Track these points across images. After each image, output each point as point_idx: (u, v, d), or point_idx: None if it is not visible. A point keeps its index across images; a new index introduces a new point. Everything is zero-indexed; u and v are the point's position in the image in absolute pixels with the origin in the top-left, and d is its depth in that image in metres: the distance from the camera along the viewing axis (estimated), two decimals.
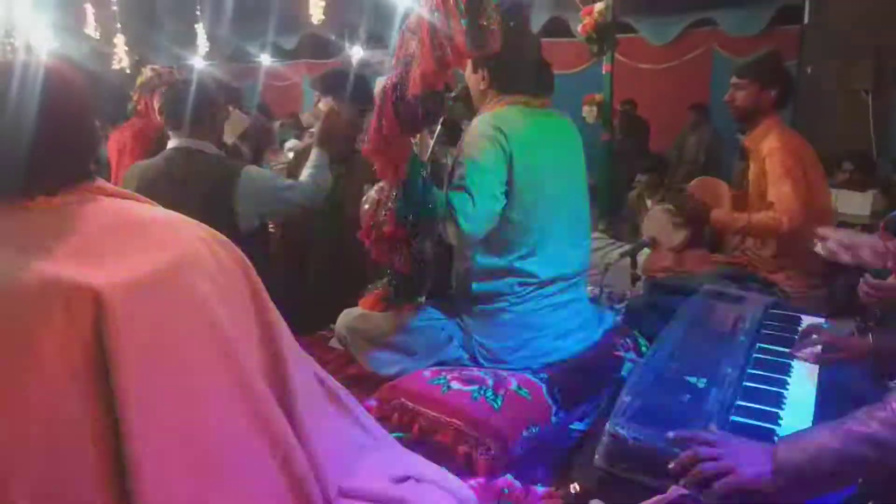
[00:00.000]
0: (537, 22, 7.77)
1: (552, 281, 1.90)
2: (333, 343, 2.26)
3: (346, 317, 2.03)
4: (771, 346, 1.77)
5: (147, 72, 3.32)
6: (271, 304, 1.18)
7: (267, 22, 9.08)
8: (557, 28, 7.15)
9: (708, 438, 1.20)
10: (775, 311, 2.04)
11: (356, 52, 9.69)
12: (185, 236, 1.08)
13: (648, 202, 4.71)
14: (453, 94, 2.16)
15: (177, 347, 0.98)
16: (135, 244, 1.02)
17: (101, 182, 1.11)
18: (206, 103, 2.28)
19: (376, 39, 9.43)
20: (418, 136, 1.95)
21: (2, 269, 0.94)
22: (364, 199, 1.89)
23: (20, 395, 0.90)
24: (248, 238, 2.21)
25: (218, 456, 1.02)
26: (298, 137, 6.19)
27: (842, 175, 4.41)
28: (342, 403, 1.39)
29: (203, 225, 1.13)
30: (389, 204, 1.76)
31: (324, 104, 2.79)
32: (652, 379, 1.52)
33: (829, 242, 1.81)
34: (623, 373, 1.98)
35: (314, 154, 2.46)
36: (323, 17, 4.32)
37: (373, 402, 1.88)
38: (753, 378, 1.59)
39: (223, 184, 2.21)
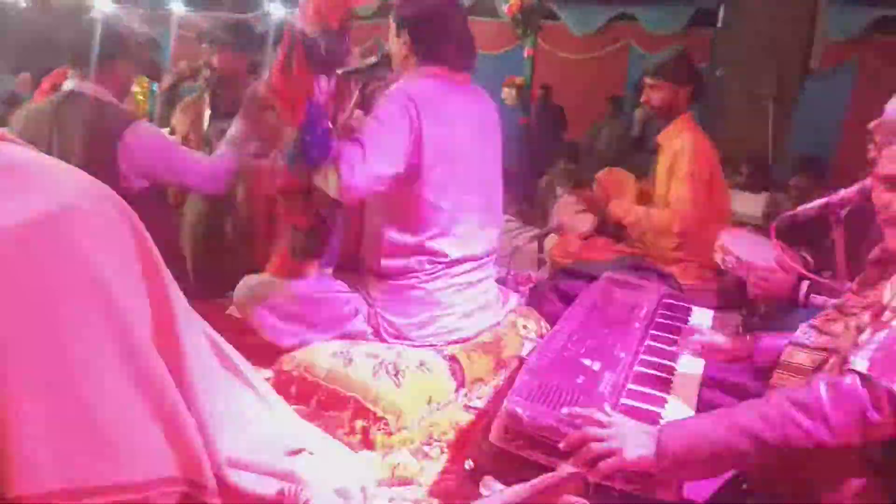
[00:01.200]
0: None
1: (462, 260, 1.90)
2: (231, 311, 2.18)
3: (247, 283, 1.96)
4: (662, 334, 1.85)
5: None
6: (162, 264, 1.12)
7: None
8: (482, 7, 7.15)
9: (601, 419, 1.25)
10: (669, 301, 2.13)
11: (276, 8, 9.34)
12: (68, 186, 1.01)
13: (559, 189, 4.82)
14: (374, 61, 2.11)
15: (50, 300, 0.92)
16: (11, 189, 0.94)
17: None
18: (109, 46, 2.11)
19: None
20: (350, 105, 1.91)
21: None
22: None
23: None
24: (138, 196, 2.07)
25: (90, 413, 0.97)
26: None
27: (739, 177, 4.67)
28: (236, 369, 1.34)
29: (89, 176, 1.05)
30: (286, 151, 1.69)
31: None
32: (550, 360, 1.55)
33: (729, 258, 1.93)
34: (524, 352, 2.03)
35: (232, 129, 2.27)
36: None
37: (270, 373, 1.84)
38: (644, 364, 1.66)
39: (108, 136, 2.05)
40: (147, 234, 1.09)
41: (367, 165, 1.68)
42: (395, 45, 1.92)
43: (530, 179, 4.80)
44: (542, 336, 2.13)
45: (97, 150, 2.00)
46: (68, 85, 2.13)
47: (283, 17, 8.93)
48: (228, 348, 1.34)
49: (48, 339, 0.92)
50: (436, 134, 1.79)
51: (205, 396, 1.14)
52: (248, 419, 1.32)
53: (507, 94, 3.86)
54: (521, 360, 2.00)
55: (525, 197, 4.73)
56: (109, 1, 7.43)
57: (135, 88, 3.17)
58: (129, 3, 8.08)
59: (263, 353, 1.92)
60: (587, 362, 1.56)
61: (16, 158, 1.01)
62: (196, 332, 1.21)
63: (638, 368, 1.63)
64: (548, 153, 5.53)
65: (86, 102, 2.09)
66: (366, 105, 2.30)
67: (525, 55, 3.95)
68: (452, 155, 1.85)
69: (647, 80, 2.71)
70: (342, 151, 1.67)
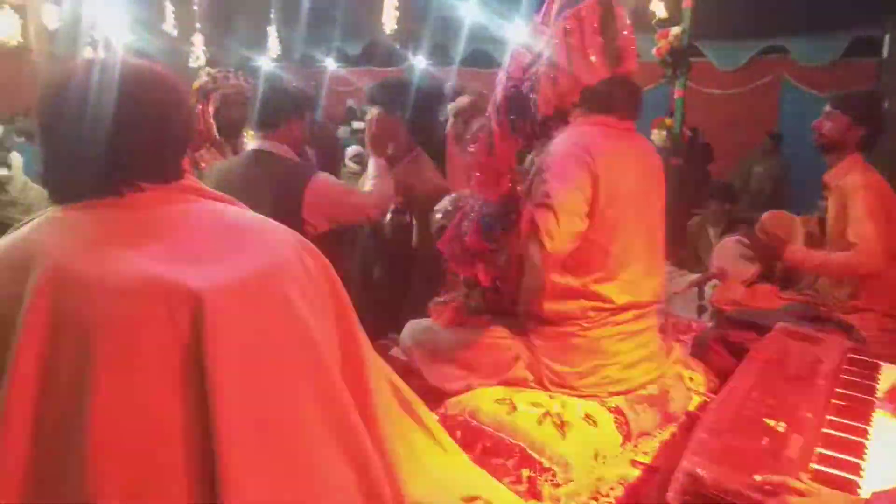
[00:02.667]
0: None
1: (626, 308, 1.87)
2: (395, 352, 2.26)
3: (413, 328, 2.03)
4: (851, 393, 1.70)
5: (203, 76, 3.22)
6: (352, 311, 1.19)
7: (333, 28, 9.26)
8: None
9: (798, 487, 1.16)
10: (854, 355, 1.96)
11: (419, 62, 9.81)
12: (276, 241, 1.09)
13: (711, 231, 4.61)
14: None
15: (269, 352, 0.99)
16: (230, 247, 1.03)
17: (192, 180, 1.12)
18: (285, 107, 2.32)
19: (440, 51, 9.52)
20: None
21: (103, 265, 0.95)
22: (437, 208, 1.89)
23: (117, 391, 0.91)
24: (315, 241, 2.25)
25: (299, 461, 1.02)
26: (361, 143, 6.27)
27: None
28: (416, 413, 1.38)
29: (291, 230, 1.13)
30: (473, 215, 1.75)
31: (369, 112, 2.84)
32: (730, 418, 1.47)
33: None
34: (691, 407, 1.94)
35: (371, 163, 2.52)
36: (396, 26, 4.36)
37: (435, 417, 1.88)
38: (834, 425, 1.54)
39: (293, 189, 2.25)
40: (340, 284, 1.16)
41: (563, 228, 1.72)
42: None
43: (681, 221, 4.63)
44: (710, 390, 2.03)
45: (284, 201, 2.18)
46: (253, 145, 2.35)
47: (426, 69, 9.37)
48: (405, 389, 1.39)
49: (261, 382, 0.99)
50: (608, 180, 1.80)
51: (389, 439, 1.18)
52: (425, 462, 1.35)
53: (658, 135, 3.79)
54: (690, 416, 1.91)
55: (675, 239, 4.56)
56: (268, 59, 8.17)
57: None
58: (286, 60, 8.82)
59: (428, 395, 1.97)
60: (771, 423, 1.46)
61: (230, 217, 1.10)
62: (379, 374, 1.27)
63: (827, 430, 1.51)
64: (698, 193, 5.31)
65: (271, 159, 2.29)
66: None
67: (675, 96, 3.86)
68: (622, 200, 1.84)
69: (827, 108, 2.55)
70: (537, 220, 1.72)
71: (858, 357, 1.95)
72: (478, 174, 1.74)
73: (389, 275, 2.80)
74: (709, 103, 7.93)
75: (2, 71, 9.32)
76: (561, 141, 1.86)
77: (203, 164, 2.93)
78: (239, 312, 0.96)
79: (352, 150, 5.95)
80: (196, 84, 3.17)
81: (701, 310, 2.85)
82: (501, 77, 1.71)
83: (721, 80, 8.27)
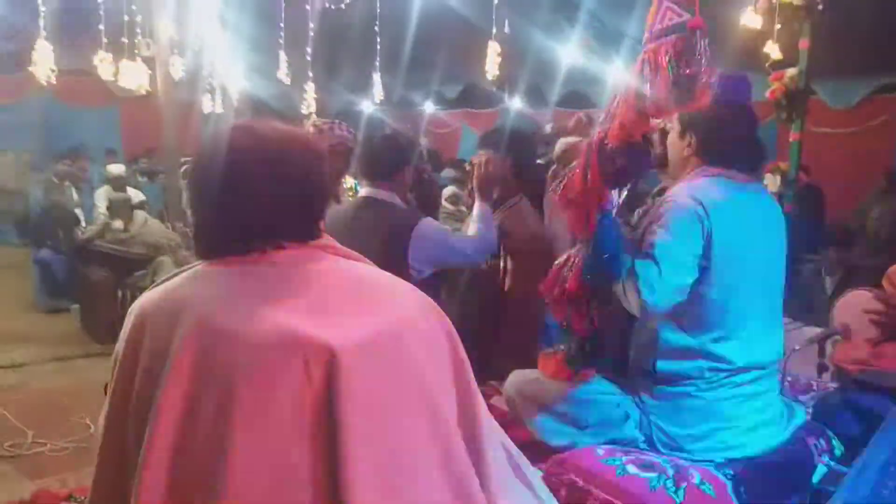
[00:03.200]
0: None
1: (746, 368, 1.77)
2: (496, 401, 2.24)
3: (518, 378, 2.01)
4: None
5: (309, 127, 3.22)
6: (470, 372, 1.19)
7: (433, 72, 9.51)
8: None
9: None
10: None
11: (514, 104, 9.90)
12: (404, 300, 1.11)
13: (827, 280, 4.35)
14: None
15: (396, 411, 1.01)
16: (362, 305, 1.06)
17: (328, 239, 1.17)
18: (396, 159, 2.40)
19: (536, 92, 9.58)
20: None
21: (243, 318, 1.01)
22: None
23: (253, 438, 0.95)
24: (421, 284, 2.30)
25: None
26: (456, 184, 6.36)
27: None
28: (525, 476, 1.36)
29: (417, 289, 1.16)
30: (576, 260, 1.73)
31: (475, 157, 2.87)
32: (866, 498, 1.36)
33: None
34: (815, 479, 1.81)
35: (476, 207, 2.56)
36: (498, 72, 4.43)
37: (539, 474, 1.84)
38: None
39: (400, 235, 2.31)
40: (460, 343, 1.17)
41: (664, 281, 1.68)
42: (677, 145, 1.90)
43: (794, 269, 4.41)
44: (835, 459, 1.89)
45: (392, 246, 2.24)
46: (364, 192, 2.44)
47: (521, 110, 9.44)
48: (515, 451, 1.37)
49: (389, 439, 1.00)
50: (725, 235, 1.73)
51: (501, 499, 1.17)
52: None
53: (771, 180, 3.62)
54: (815, 489, 1.78)
55: (789, 288, 4.33)
56: (370, 103, 8.45)
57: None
58: (387, 104, 9.12)
59: (531, 449, 1.92)
60: None
61: (362, 275, 1.15)
62: (493, 435, 1.25)
63: None
64: (811, 239, 5.05)
65: (380, 206, 2.37)
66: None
67: (791, 139, 3.69)
68: (741, 256, 1.77)
69: None
70: (637, 271, 1.68)
71: None
72: (569, 213, 1.75)
73: (481, 319, 2.80)
74: (821, 144, 7.54)
75: (130, 116, 10.15)
76: (676, 193, 1.81)
77: None
78: (370, 369, 0.99)
79: (448, 190, 6.05)
80: None
81: (821, 368, 2.65)
82: (601, 117, 1.74)
83: (834, 119, 7.86)
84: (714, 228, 1.72)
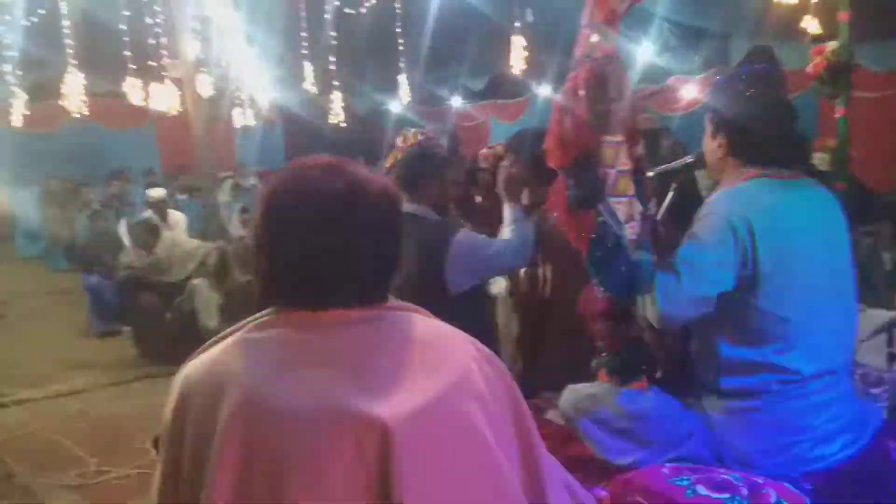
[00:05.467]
0: (739, 52, 7.33)
1: (817, 376, 1.68)
2: (551, 416, 2.18)
3: (574, 394, 1.94)
4: None
5: (413, 135, 2.70)
6: (531, 418, 1.14)
7: (458, 66, 9.45)
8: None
9: None
10: None
11: (543, 90, 9.77)
12: (461, 356, 1.07)
13: (885, 255, 4.17)
14: (691, 160, 2.03)
15: (453, 477, 0.97)
16: (419, 366, 1.02)
17: (394, 301, 1.12)
18: (433, 173, 2.35)
19: (563, 79, 9.43)
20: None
21: (291, 393, 0.96)
22: None
23: None
24: (458, 298, 2.24)
25: None
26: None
27: None
28: None
29: (474, 340, 1.11)
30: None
31: (486, 150, 2.80)
32: None
33: None
34: None
35: (507, 211, 2.46)
36: (524, 66, 4.35)
37: (603, 494, 1.78)
38: None
39: (436, 250, 2.25)
40: (518, 391, 1.12)
41: (683, 292, 1.62)
42: (710, 146, 1.83)
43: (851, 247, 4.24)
44: None
45: (428, 262, 2.19)
46: None
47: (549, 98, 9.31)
48: (579, 490, 1.31)
49: (446, 498, 0.97)
50: (771, 240, 1.64)
51: None
52: None
53: (821, 158, 3.46)
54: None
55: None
56: (399, 103, 8.43)
57: None
58: (414, 102, 9.09)
59: (591, 468, 1.88)
60: None
61: (416, 335, 1.08)
62: (553, 474, 1.21)
63: None
64: (862, 212, 4.84)
65: (412, 221, 2.31)
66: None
67: (837, 115, 3.53)
68: (794, 259, 1.67)
69: None
70: (658, 279, 1.63)
71: None
72: (570, 236, 1.75)
73: (524, 329, 2.74)
74: (864, 109, 7.22)
75: (166, 134, 10.32)
76: (714, 201, 1.74)
77: None
78: (425, 440, 0.95)
79: None
80: (411, 142, 2.91)
81: (892, 357, 2.53)
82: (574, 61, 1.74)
83: (873, 82, 7.52)
84: (759, 236, 1.63)
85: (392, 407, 0.94)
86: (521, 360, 2.91)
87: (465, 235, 2.35)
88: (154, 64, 6.23)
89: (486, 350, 1.11)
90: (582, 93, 1.64)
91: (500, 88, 10.52)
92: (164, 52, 6.21)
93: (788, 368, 1.66)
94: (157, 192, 6.62)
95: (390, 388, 0.97)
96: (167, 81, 6.19)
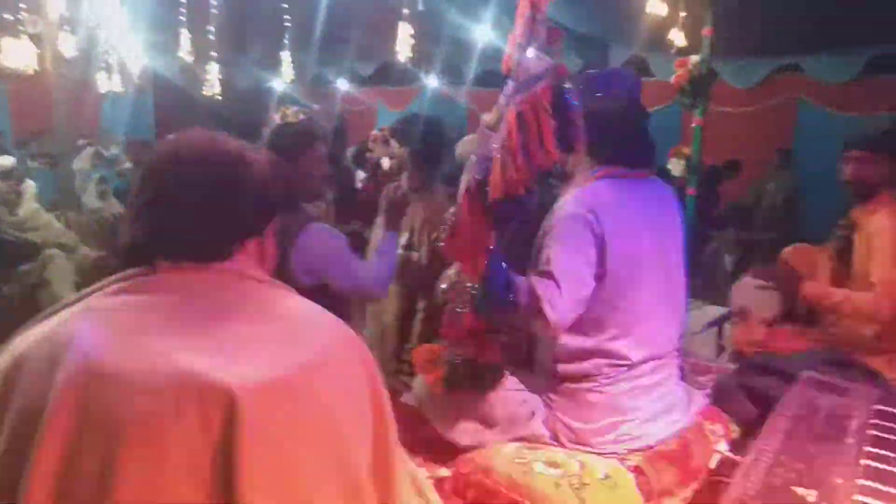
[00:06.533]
0: (617, 59, 7.70)
1: (644, 361, 1.81)
2: (407, 398, 2.21)
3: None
4: (882, 452, 1.63)
5: (293, 114, 2.56)
6: (387, 400, 1.14)
7: (346, 49, 9.27)
8: (633, 64, 7.07)
9: None
10: (882, 407, 1.89)
11: (432, 82, 9.81)
12: (320, 333, 1.04)
13: (727, 258, 4.54)
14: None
15: (298, 456, 0.94)
16: (275, 340, 0.99)
17: (250, 265, 1.09)
18: (295, 155, 2.23)
19: (453, 71, 9.52)
20: None
21: (136, 358, 0.91)
22: (442, 277, 1.83)
23: (140, 493, 0.87)
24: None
25: None
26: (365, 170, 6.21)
27: None
28: (420, 489, 1.34)
29: (338, 319, 1.09)
30: (466, 295, 1.70)
31: (377, 133, 2.80)
32: (756, 488, 1.41)
33: None
34: (712, 464, 1.87)
35: (381, 236, 2.37)
36: (410, 54, 4.34)
37: (447, 473, 1.83)
38: (864, 491, 1.47)
39: (287, 238, 2.11)
40: (378, 373, 1.12)
41: (567, 298, 1.66)
42: None
43: (695, 248, 4.58)
44: (732, 442, 1.96)
45: (281, 251, 2.09)
46: None
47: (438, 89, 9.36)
48: (419, 476, 1.33)
49: (289, 485, 0.93)
50: (618, 239, 1.74)
51: None
52: None
53: (675, 164, 3.72)
54: (712, 474, 1.85)
55: (690, 268, 4.50)
56: (281, 81, 8.18)
57: None
58: (299, 82, 8.85)
59: (438, 448, 1.92)
60: (801, 491, 1.41)
61: (278, 308, 1.05)
62: (401, 461, 1.22)
63: (858, 498, 1.44)
64: (710, 218, 5.25)
65: None
66: None
67: (693, 124, 3.81)
68: (635, 256, 1.78)
69: (855, 153, 2.47)
70: (538, 292, 1.65)
71: (887, 409, 1.88)
72: (455, 257, 1.69)
73: (396, 313, 2.76)
74: (723, 122, 7.84)
75: (20, 97, 9.42)
76: (565, 202, 1.81)
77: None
78: (273, 413, 0.92)
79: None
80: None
81: (720, 350, 2.77)
82: (472, 160, 1.67)
83: (735, 98, 8.17)
84: (605, 232, 1.72)
85: (242, 376, 0.90)
86: (392, 344, 2.93)
87: (318, 229, 2.14)
88: (10, 17, 5.67)
89: (352, 333, 1.09)
90: (545, 113, 1.53)
91: (389, 75, 10.45)
92: (23, 6, 5.66)
93: (619, 354, 1.78)
94: (7, 161, 6.04)
95: (243, 356, 0.93)
96: (24, 38, 5.64)
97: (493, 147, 1.58)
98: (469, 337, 1.73)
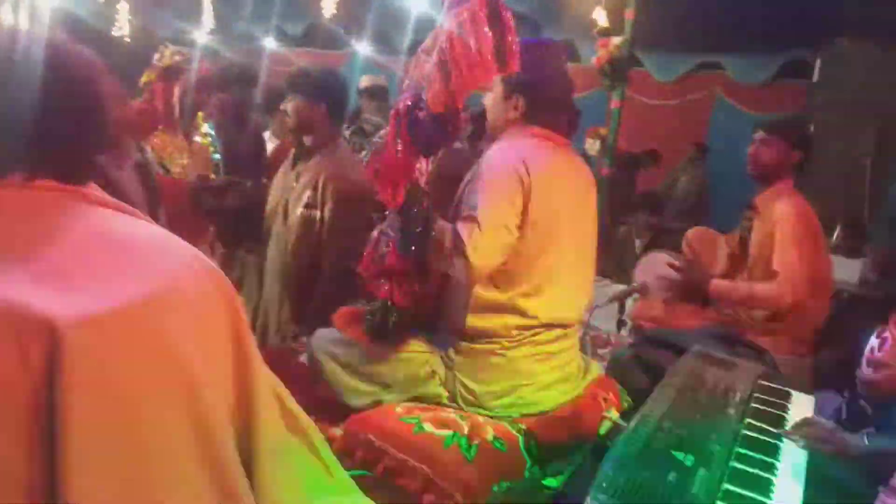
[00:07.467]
0: None
1: (550, 325, 1.81)
2: (304, 359, 2.14)
3: (324, 336, 1.91)
4: (761, 424, 1.69)
5: (170, 54, 2.86)
6: (250, 337, 1.07)
7: (272, 4, 8.92)
8: None
9: None
10: (765, 383, 1.96)
11: (363, 48, 9.59)
12: (169, 263, 0.95)
13: (637, 241, 4.66)
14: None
15: (132, 392, 0.85)
16: (110, 269, 0.89)
17: (91, 187, 0.98)
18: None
19: (383, 37, 9.33)
20: None
21: None
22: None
23: None
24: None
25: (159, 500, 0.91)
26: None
27: (833, 241, 4.38)
28: (308, 439, 1.28)
29: (193, 248, 1.00)
30: (391, 233, 1.65)
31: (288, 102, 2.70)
32: (638, 450, 1.43)
33: None
34: (602, 430, 1.90)
35: None
36: (335, 11, 4.20)
37: (338, 433, 1.78)
38: (741, 458, 1.52)
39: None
40: (240, 306, 1.04)
41: (488, 241, 1.65)
42: (501, 106, 1.87)
43: (607, 230, 4.68)
44: (623, 411, 2.00)
45: None
46: None
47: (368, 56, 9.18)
48: (302, 415, 1.28)
49: (130, 435, 0.86)
50: (542, 194, 1.74)
51: (274, 482, 1.08)
52: (309, 487, 1.25)
53: (591, 144, 3.77)
54: (600, 441, 1.87)
55: (601, 248, 4.61)
56: (204, 33, 7.81)
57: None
58: (221, 34, 8.47)
59: (332, 409, 1.87)
60: (679, 456, 1.43)
61: (120, 233, 0.95)
62: (269, 396, 1.16)
63: (734, 464, 1.48)
64: (625, 203, 5.37)
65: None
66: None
67: (611, 106, 3.86)
68: (555, 215, 1.78)
69: (760, 135, 2.56)
70: (462, 233, 1.64)
71: (769, 385, 1.96)
72: (377, 185, 1.66)
73: (296, 273, 2.66)
74: (643, 113, 8.05)
75: None
76: (496, 151, 1.80)
77: (151, 148, 2.72)
78: (104, 348, 0.83)
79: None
80: (164, 62, 2.86)
81: (621, 324, 2.83)
82: (404, 85, 1.64)
83: (657, 90, 8.39)
84: (533, 187, 1.72)
85: (66, 306, 0.80)
86: (289, 305, 2.83)
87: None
88: None
89: (210, 265, 1.01)
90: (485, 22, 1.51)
91: (317, 37, 10.15)
92: None
93: (529, 313, 1.77)
94: None
95: (69, 284, 0.84)
96: None
97: (430, 64, 1.56)
98: (385, 276, 1.71)
